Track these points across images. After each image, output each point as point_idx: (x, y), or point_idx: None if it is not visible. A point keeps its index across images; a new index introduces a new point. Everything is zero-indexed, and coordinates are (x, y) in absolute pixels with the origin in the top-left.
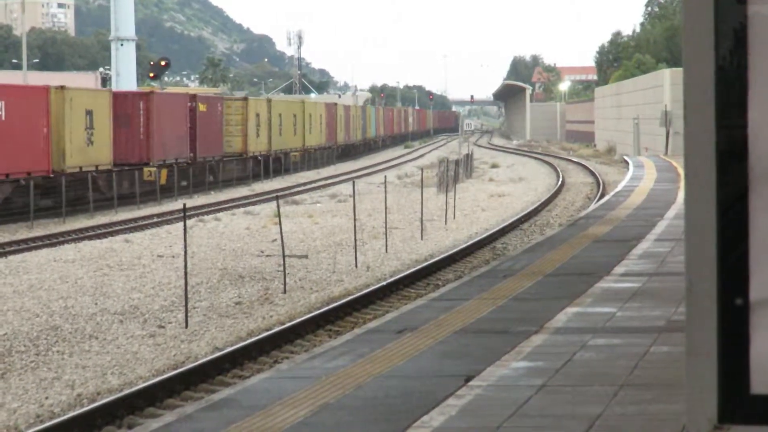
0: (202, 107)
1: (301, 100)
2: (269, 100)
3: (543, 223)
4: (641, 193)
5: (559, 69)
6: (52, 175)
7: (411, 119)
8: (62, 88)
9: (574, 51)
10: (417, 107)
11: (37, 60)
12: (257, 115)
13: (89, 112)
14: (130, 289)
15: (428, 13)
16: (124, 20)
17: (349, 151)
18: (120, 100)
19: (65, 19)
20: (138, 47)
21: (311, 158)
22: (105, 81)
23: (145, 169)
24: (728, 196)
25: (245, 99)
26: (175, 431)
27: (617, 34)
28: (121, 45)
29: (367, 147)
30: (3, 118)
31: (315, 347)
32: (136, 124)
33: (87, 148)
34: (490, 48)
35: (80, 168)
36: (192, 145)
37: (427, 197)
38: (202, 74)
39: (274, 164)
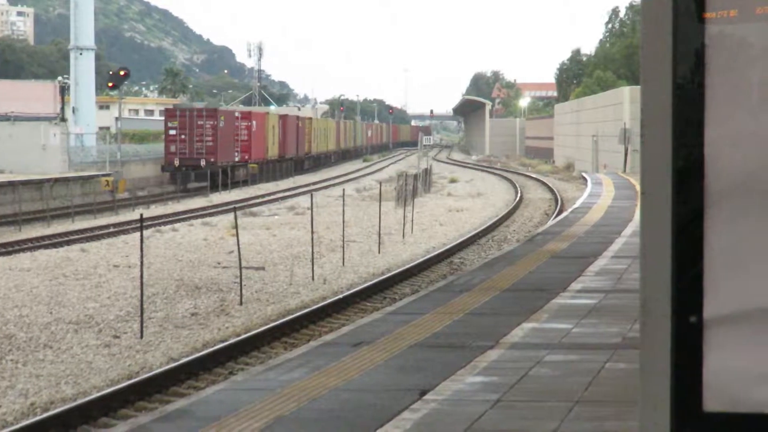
0: (300, 123)
1: (325, 119)
2: (316, 119)
3: (501, 238)
4: (599, 210)
5: (519, 85)
6: (264, 159)
7: (387, 132)
8: (267, 113)
9: (535, 67)
10: (377, 121)
11: None
12: (315, 128)
13: (273, 127)
14: (86, 298)
15: (389, 26)
16: (83, 29)
17: (345, 155)
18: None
19: (24, 27)
20: (97, 57)
21: (326, 159)
22: (63, 90)
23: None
24: (684, 214)
25: (311, 118)
26: None
27: (577, 51)
28: (81, 54)
29: (356, 153)
30: (255, 129)
31: (271, 359)
32: (279, 134)
33: (272, 146)
34: (451, 63)
35: (271, 158)
36: (299, 145)
37: (385, 211)
38: (162, 84)
39: (315, 160)
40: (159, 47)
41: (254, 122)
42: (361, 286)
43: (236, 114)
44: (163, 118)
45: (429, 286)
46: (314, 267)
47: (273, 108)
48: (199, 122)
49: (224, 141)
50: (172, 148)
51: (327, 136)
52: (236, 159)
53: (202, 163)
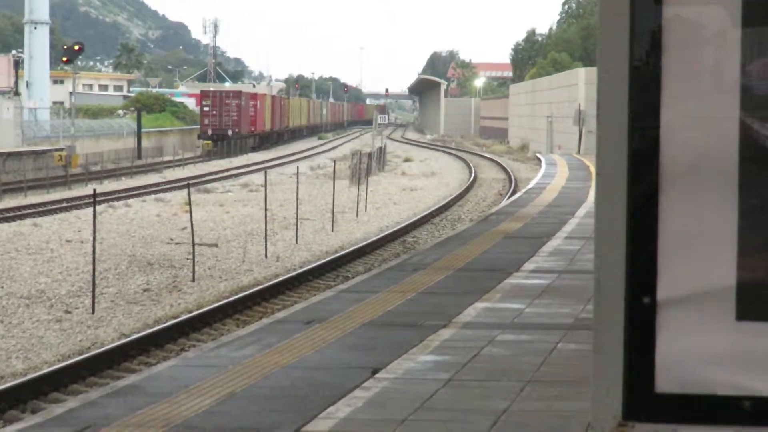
0: (282, 102)
1: (297, 98)
2: (293, 99)
3: (454, 218)
4: (553, 191)
5: (474, 65)
6: (263, 131)
7: (349, 110)
8: (264, 94)
9: (491, 47)
10: (332, 99)
11: None
12: (292, 106)
13: (268, 105)
14: (38, 273)
15: (345, 4)
16: (38, 3)
17: (314, 129)
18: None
19: None
20: (52, 31)
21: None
22: (17, 64)
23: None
24: (639, 196)
25: (288, 98)
26: (78, 417)
27: (532, 32)
28: (35, 28)
29: (322, 128)
30: (259, 107)
31: (222, 336)
32: (270, 110)
33: (267, 121)
34: (408, 42)
35: (267, 130)
36: (281, 120)
37: (340, 189)
38: (117, 60)
39: (291, 133)
40: (114, 22)
41: (258, 101)
42: (314, 263)
43: (249, 94)
44: (117, 93)
45: (382, 265)
46: (267, 244)
47: (228, 85)
48: (227, 101)
49: (244, 116)
50: (206, 122)
51: (300, 113)
52: (246, 130)
53: (230, 132)
